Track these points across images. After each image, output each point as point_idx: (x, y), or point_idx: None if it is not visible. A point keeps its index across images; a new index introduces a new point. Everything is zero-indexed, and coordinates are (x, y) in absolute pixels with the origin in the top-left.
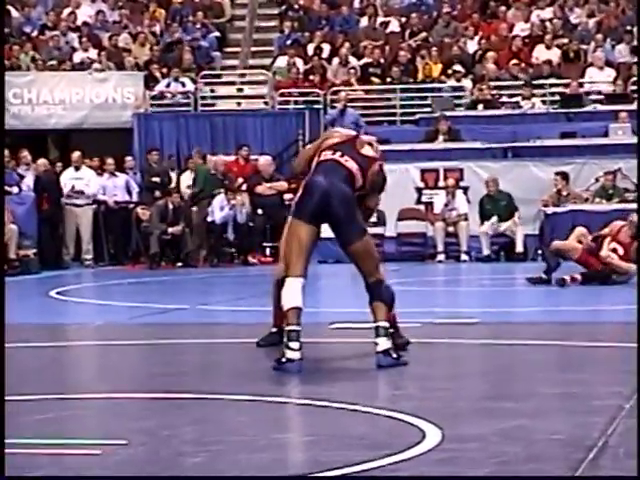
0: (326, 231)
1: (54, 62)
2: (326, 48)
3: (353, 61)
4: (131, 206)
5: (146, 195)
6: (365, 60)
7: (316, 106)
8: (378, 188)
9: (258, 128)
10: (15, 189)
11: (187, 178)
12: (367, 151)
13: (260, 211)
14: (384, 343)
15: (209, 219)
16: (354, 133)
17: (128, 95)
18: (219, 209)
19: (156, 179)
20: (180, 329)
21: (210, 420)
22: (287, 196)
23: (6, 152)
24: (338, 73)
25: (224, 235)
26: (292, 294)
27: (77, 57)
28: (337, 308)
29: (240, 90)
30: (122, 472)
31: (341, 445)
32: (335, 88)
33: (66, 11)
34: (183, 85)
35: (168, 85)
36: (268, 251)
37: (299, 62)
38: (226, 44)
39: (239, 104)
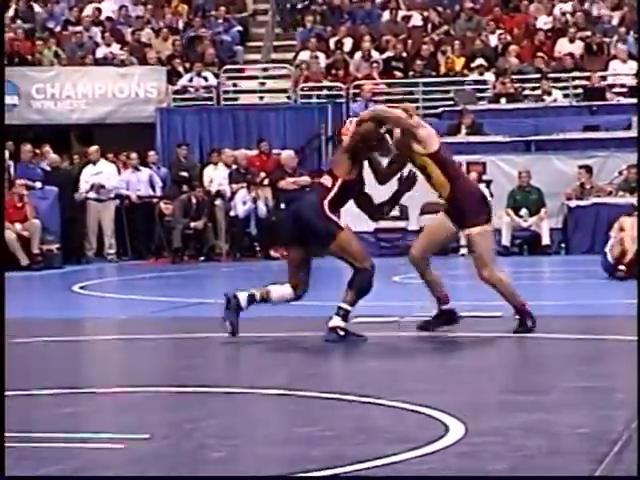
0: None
1: (77, 57)
2: (348, 42)
3: (375, 55)
4: (154, 201)
5: (173, 189)
6: (387, 54)
7: (338, 100)
8: (373, 139)
9: (280, 122)
10: (38, 184)
11: (210, 173)
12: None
13: (283, 205)
14: (335, 321)
15: (232, 213)
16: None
17: (151, 90)
18: (242, 203)
19: (184, 173)
20: (203, 323)
21: (233, 414)
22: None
23: (29, 147)
24: (360, 67)
25: (247, 229)
26: None
27: (100, 52)
28: (360, 302)
29: (262, 84)
30: (145, 466)
31: (364, 439)
32: (357, 82)
33: (89, 7)
34: (205, 80)
35: (191, 80)
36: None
37: (321, 56)
38: (248, 38)
39: (261, 98)
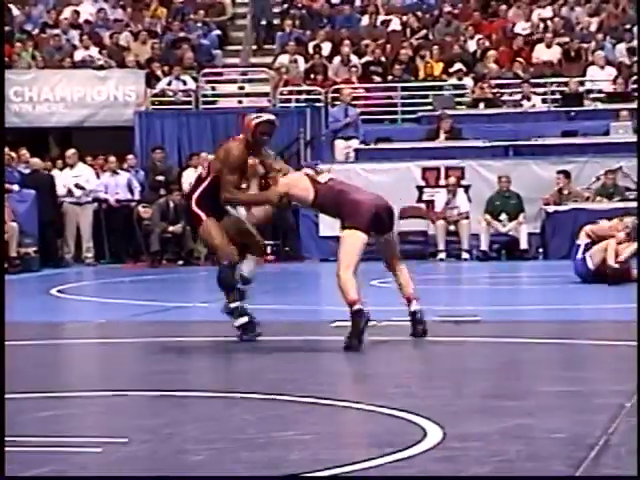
0: (325, 230)
1: (55, 60)
2: (327, 46)
3: (354, 59)
4: (133, 204)
5: (150, 194)
6: (366, 58)
7: (317, 104)
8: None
9: None
10: (16, 187)
11: (189, 176)
12: None
13: None
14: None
15: None
16: None
17: (129, 93)
18: None
19: (160, 178)
20: (182, 327)
21: (212, 418)
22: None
23: (6, 150)
24: (339, 71)
25: None
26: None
27: (78, 55)
28: (339, 306)
29: (242, 88)
30: (123, 470)
31: (342, 443)
32: (336, 86)
33: (67, 9)
34: (184, 83)
35: (169, 83)
36: (269, 249)
37: (300, 60)
38: (227, 42)
39: (240, 102)
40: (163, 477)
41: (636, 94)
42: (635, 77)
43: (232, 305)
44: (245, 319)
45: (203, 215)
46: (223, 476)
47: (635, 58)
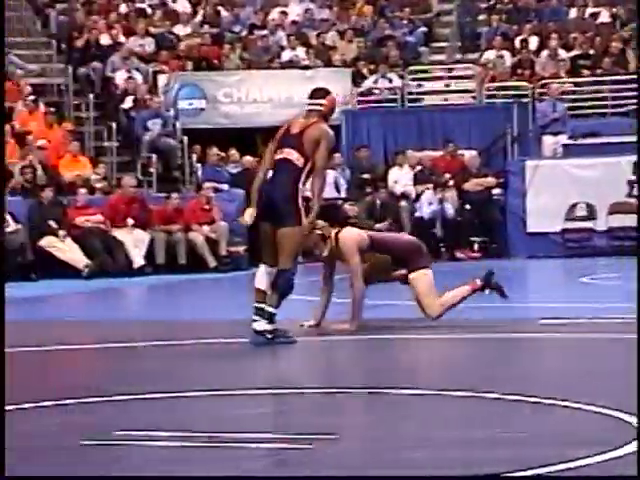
0: (533, 226)
1: (263, 61)
2: (534, 40)
3: (562, 53)
4: (339, 202)
5: (356, 191)
6: (575, 52)
7: (524, 100)
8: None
9: (465, 123)
10: (225, 186)
11: (395, 174)
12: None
13: (468, 206)
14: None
15: (417, 215)
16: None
17: (336, 92)
18: (427, 204)
19: (365, 176)
20: (386, 324)
21: (421, 415)
22: (495, 191)
23: (215, 150)
24: (547, 66)
25: (431, 230)
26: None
27: (285, 55)
28: (547, 303)
29: (447, 85)
30: (333, 466)
31: (552, 442)
32: (544, 81)
33: (275, 10)
34: (390, 81)
35: (375, 81)
36: (476, 246)
37: (507, 55)
38: (433, 39)
39: (446, 99)
40: (370, 478)
41: None
42: None
43: (274, 310)
44: (275, 326)
45: (303, 218)
46: (387, 476)
47: None
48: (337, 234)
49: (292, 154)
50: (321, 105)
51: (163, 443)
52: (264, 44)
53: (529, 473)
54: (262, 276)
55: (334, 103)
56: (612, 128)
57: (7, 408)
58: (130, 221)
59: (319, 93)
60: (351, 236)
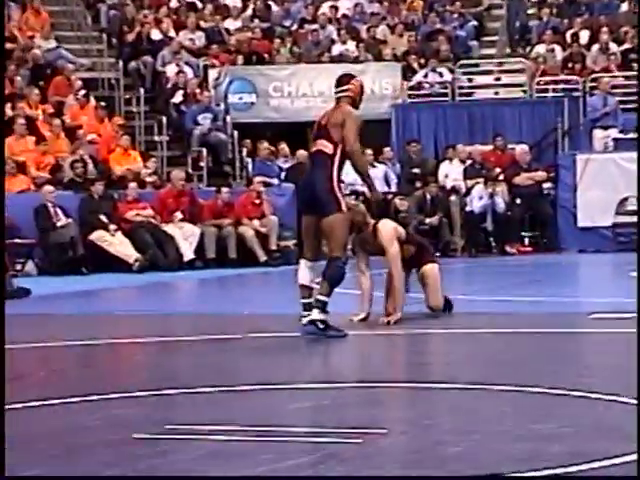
0: (584, 221)
1: (313, 55)
2: (585, 34)
3: (613, 47)
4: (389, 197)
5: (406, 186)
6: (626, 46)
7: (575, 94)
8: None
9: (516, 117)
10: (275, 181)
11: (445, 168)
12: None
13: (518, 201)
14: (315, 314)
15: (467, 209)
16: None
17: (386, 86)
18: (478, 199)
19: (416, 170)
20: (441, 320)
21: (469, 409)
22: (546, 185)
23: (266, 144)
24: (598, 60)
25: (482, 225)
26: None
27: (336, 49)
28: (597, 298)
29: (498, 79)
30: (382, 460)
31: (600, 436)
32: (595, 75)
33: (325, 4)
34: (441, 75)
35: (426, 75)
36: (527, 241)
37: (558, 49)
38: (483, 33)
39: (497, 93)
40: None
41: None
42: None
43: (326, 299)
44: (327, 316)
45: (343, 204)
46: (429, 476)
47: None
48: (375, 225)
49: (323, 144)
50: (347, 90)
51: (212, 437)
52: (314, 38)
53: (584, 467)
54: (303, 271)
55: (361, 87)
56: None
57: (53, 402)
58: (178, 215)
59: (344, 79)
60: (390, 225)
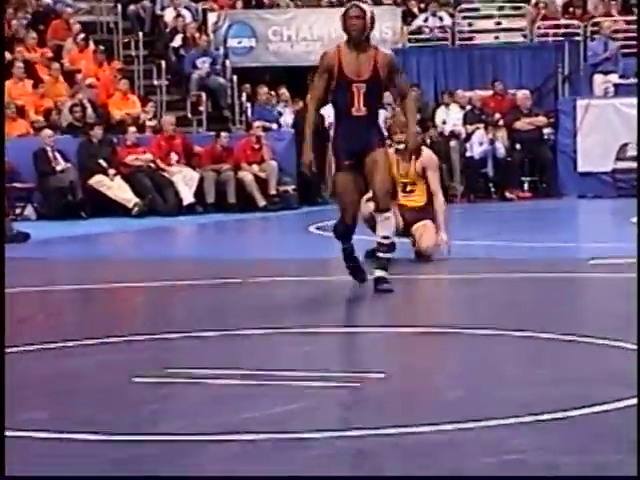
0: (584, 166)
1: None
2: None
3: None
4: (388, 142)
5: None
6: None
7: (576, 38)
8: None
9: (516, 62)
10: (274, 125)
11: (442, 114)
12: None
13: (518, 146)
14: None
15: (467, 155)
16: None
17: (386, 31)
18: (478, 144)
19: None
20: (442, 264)
21: (473, 354)
22: (546, 130)
23: (265, 89)
24: (598, 5)
25: (481, 170)
26: None
27: None
28: (597, 243)
29: (498, 24)
30: (380, 404)
31: (603, 381)
32: (595, 20)
33: None
34: (441, 19)
35: (426, 20)
36: (526, 186)
37: None
38: None
39: (497, 37)
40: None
41: None
42: None
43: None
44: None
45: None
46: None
47: None
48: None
49: None
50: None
51: (213, 381)
52: None
53: (587, 411)
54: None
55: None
56: None
57: (51, 346)
58: (174, 156)
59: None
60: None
